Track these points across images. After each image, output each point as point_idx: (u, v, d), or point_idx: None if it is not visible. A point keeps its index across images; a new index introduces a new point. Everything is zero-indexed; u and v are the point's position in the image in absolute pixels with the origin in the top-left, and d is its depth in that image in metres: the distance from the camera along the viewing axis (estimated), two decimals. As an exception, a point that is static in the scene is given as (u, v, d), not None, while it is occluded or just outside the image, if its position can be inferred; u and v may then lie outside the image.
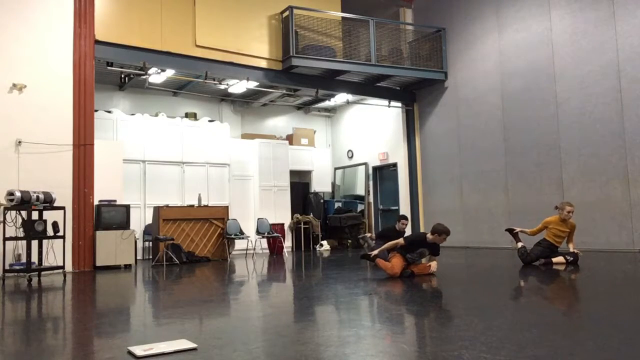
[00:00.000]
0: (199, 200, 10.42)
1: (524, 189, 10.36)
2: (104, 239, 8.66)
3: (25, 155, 8.16)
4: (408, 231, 9.65)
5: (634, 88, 8.72)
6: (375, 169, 13.79)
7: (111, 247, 8.70)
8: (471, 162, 11.46)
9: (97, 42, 8.99)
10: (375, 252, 6.39)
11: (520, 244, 7.35)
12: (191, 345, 2.97)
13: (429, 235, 6.22)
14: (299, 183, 13.85)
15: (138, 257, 10.36)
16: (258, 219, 11.43)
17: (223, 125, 12.25)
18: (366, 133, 13.98)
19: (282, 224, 12.04)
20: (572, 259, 7.04)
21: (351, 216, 13.11)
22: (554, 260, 7.08)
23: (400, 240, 6.33)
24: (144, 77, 10.22)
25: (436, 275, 6.20)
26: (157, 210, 9.74)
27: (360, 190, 14.05)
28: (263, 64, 10.72)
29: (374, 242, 8.13)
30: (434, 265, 6.34)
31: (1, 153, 7.98)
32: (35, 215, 7.53)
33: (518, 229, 7.55)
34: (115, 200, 9.17)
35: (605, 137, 9.09)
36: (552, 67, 9.90)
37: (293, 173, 13.44)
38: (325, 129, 15.16)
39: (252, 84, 11.10)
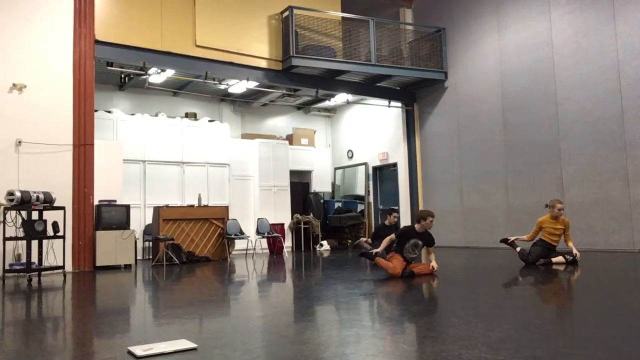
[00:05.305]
0: (199, 200, 10.41)
1: (524, 189, 10.35)
2: (104, 239, 8.66)
3: (25, 155, 8.16)
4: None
5: (634, 88, 8.72)
6: (375, 169, 13.78)
7: (111, 247, 8.70)
8: (471, 162, 11.46)
9: (97, 42, 8.99)
10: (378, 250, 6.41)
11: (519, 248, 7.40)
12: (191, 345, 2.97)
13: (416, 225, 6.35)
14: (299, 183, 13.85)
15: (138, 257, 10.35)
16: (258, 219, 11.42)
17: (223, 125, 12.25)
18: (366, 133, 13.97)
19: (282, 224, 12.04)
20: (571, 258, 7.06)
21: (351, 216, 13.11)
22: (554, 260, 7.08)
23: (393, 236, 6.40)
24: (144, 77, 10.23)
25: (436, 274, 6.20)
26: (157, 210, 9.74)
27: (360, 190, 14.05)
28: (263, 64, 10.72)
29: (370, 246, 8.16)
30: (434, 265, 6.35)
31: (1, 153, 7.98)
32: (35, 215, 7.52)
33: (512, 238, 7.60)
34: (115, 200, 9.17)
35: (605, 137, 9.09)
36: (552, 67, 9.90)
37: (293, 173, 13.43)
38: (325, 129, 15.16)
39: (252, 84, 11.10)
